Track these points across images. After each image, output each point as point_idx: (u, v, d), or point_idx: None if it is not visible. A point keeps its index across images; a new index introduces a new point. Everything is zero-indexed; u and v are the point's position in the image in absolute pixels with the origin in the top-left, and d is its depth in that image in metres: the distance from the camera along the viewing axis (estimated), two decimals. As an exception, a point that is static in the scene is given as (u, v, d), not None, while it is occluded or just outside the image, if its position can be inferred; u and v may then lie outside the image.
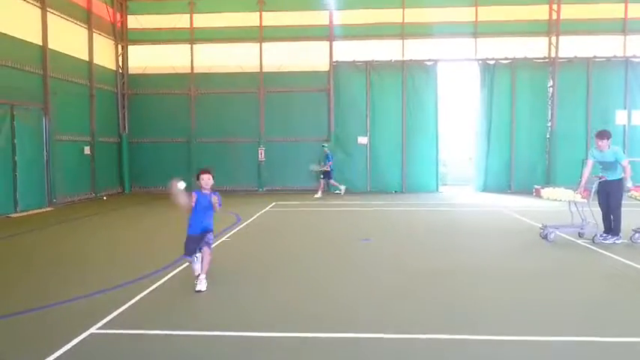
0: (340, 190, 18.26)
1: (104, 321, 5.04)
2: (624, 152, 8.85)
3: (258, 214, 13.18)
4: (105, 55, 19.28)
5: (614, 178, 8.81)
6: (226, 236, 9.89)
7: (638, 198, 8.82)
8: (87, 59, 17.91)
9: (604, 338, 4.60)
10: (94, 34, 18.15)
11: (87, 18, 17.81)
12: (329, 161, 17.92)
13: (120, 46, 20.24)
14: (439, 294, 6.08)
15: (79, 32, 17.51)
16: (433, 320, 5.13)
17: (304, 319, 5.17)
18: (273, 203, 15.83)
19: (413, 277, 6.82)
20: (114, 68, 20.02)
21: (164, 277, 6.79)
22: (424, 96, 19.49)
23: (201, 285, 6.14)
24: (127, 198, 18.35)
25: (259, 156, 20.03)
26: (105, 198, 17.85)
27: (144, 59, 20.44)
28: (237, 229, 10.86)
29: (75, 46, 17.17)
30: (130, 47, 20.49)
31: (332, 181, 18.27)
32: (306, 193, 19.03)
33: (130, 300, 5.72)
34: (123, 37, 20.29)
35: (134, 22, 20.31)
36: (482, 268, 7.30)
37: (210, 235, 6.39)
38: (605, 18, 19.06)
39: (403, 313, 5.37)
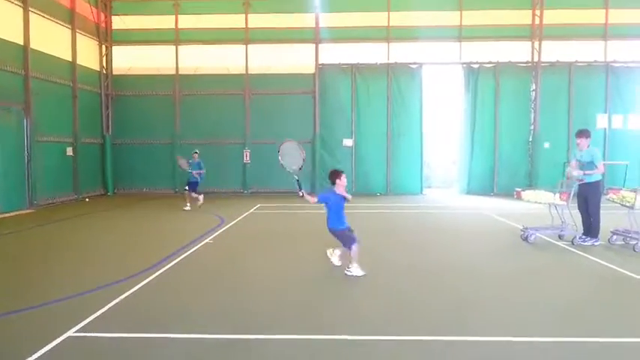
0: (188, 207, 14.71)
1: (82, 324, 4.99)
2: (602, 156, 8.99)
3: (242, 217, 13.14)
4: (88, 55, 19.10)
5: (591, 181, 8.95)
6: (209, 238, 9.84)
7: (616, 201, 8.95)
8: (70, 59, 17.73)
9: (582, 338, 4.67)
10: (77, 34, 17.98)
11: (70, 18, 17.63)
12: (201, 169, 14.90)
13: (104, 47, 20.06)
14: (421, 295, 6.12)
15: (62, 32, 17.32)
16: (414, 321, 5.16)
17: (283, 322, 5.17)
18: (258, 205, 15.81)
19: (396, 279, 6.85)
20: (98, 69, 19.85)
21: (144, 279, 6.72)
22: (409, 99, 19.62)
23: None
24: (110, 200, 18.18)
25: (244, 158, 19.98)
26: (87, 200, 17.66)
27: (128, 60, 20.29)
28: (220, 231, 10.82)
29: (58, 46, 16.99)
30: (114, 48, 20.33)
31: (194, 194, 14.89)
32: (291, 195, 18.99)
33: (108, 303, 5.66)
34: (107, 37, 20.13)
35: (118, 22, 20.17)
36: (464, 269, 7.36)
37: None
38: (587, 23, 19.37)
39: (385, 314, 5.39)
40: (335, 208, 6.99)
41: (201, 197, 14.90)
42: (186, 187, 14.99)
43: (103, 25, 19.92)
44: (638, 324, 5.11)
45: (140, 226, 12.11)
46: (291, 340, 4.65)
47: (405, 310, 5.54)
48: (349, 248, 6.89)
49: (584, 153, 9.07)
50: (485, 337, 4.72)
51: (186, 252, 8.49)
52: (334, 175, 7.06)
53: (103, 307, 5.52)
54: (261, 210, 14.85)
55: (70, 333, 4.76)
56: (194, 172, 14.81)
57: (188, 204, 14.78)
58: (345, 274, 6.91)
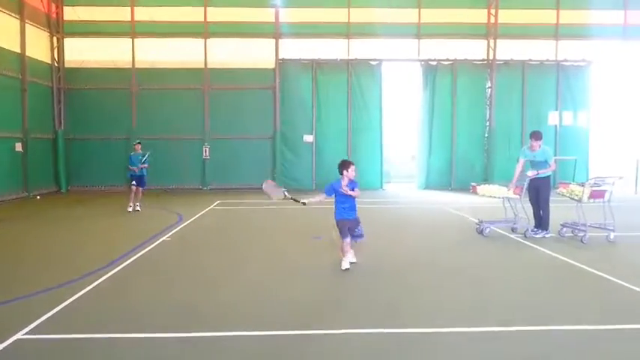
0: (137, 207, 13.32)
1: (32, 326, 4.81)
2: (554, 152, 9.35)
3: (201, 213, 12.96)
4: (39, 47, 18.35)
5: (543, 176, 9.30)
6: (166, 236, 9.65)
7: (565, 194, 9.32)
8: (19, 51, 17.01)
9: (533, 327, 4.84)
10: (26, 24, 17.25)
11: (19, 7, 16.88)
12: (147, 163, 13.59)
13: (55, 39, 19.31)
14: (379, 289, 6.20)
15: (10, 22, 16.57)
16: (371, 315, 5.22)
17: (242, 318, 5.13)
18: (218, 201, 15.63)
19: (355, 274, 6.91)
20: (49, 61, 19.11)
21: (98, 279, 6.54)
22: (369, 95, 19.80)
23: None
24: (63, 197, 17.58)
25: (204, 154, 19.68)
26: (38, 197, 17.00)
27: (82, 52, 19.60)
28: (178, 228, 10.64)
29: (5, 37, 16.25)
30: (66, 40, 19.60)
31: (141, 189, 13.51)
32: (251, 191, 18.90)
33: (60, 304, 5.47)
34: (59, 28, 19.39)
35: (71, 13, 19.44)
36: (421, 263, 7.51)
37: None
38: (539, 23, 20.03)
39: (343, 309, 5.43)
40: (342, 198, 6.90)
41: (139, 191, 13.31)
42: (133, 183, 13.22)
43: (55, 15, 19.17)
44: (584, 311, 5.33)
45: (94, 224, 11.74)
46: (248, 337, 4.62)
47: (356, 303, 5.60)
48: (356, 240, 7.00)
49: (537, 153, 9.41)
50: (439, 328, 4.82)
51: (142, 250, 8.31)
52: (342, 165, 6.95)
53: (55, 308, 5.33)
54: (220, 206, 14.68)
55: (19, 335, 4.58)
56: (136, 167, 13.25)
57: (138, 204, 13.25)
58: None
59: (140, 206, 13.34)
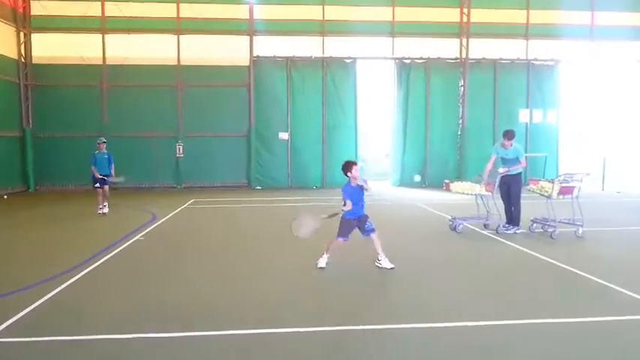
0: (105, 209, 12.48)
1: (-2, 329, 4.69)
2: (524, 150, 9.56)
3: (175, 212, 12.80)
4: (5, 42, 17.82)
5: (514, 173, 9.49)
6: (140, 235, 9.51)
7: (535, 191, 9.52)
8: (-17, 46, 16.49)
9: (504, 321, 4.94)
10: (-9, 19, 16.75)
11: (-17, 1, 16.38)
12: (111, 163, 12.68)
13: (22, 34, 18.76)
14: (352, 286, 6.24)
15: (-26, 17, 16.07)
16: (348, 311, 5.25)
17: (214, 318, 5.10)
18: (192, 200, 15.46)
19: (327, 271, 6.93)
20: (15, 57, 18.55)
21: (68, 280, 6.39)
22: (344, 93, 19.85)
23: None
24: (31, 197, 17.15)
25: (177, 152, 19.43)
26: (5, 197, 16.50)
27: (50, 48, 19.10)
28: (152, 227, 10.49)
29: (-32, 31, 15.75)
30: (33, 35, 19.06)
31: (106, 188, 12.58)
32: (226, 189, 18.78)
33: (28, 306, 5.33)
34: (25, 23, 18.84)
35: (39, 8, 18.90)
36: (395, 259, 7.55)
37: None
38: (510, 23, 20.38)
39: (316, 306, 5.44)
40: (355, 199, 6.89)
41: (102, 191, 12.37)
42: (97, 185, 12.33)
43: (21, 10, 18.61)
44: (553, 305, 5.47)
45: (64, 223, 11.48)
46: (219, 337, 4.60)
47: (326, 300, 5.63)
48: (369, 235, 6.97)
49: (509, 151, 9.60)
50: (411, 324, 4.88)
51: (114, 250, 8.17)
52: (346, 167, 6.95)
53: (23, 310, 5.20)
54: (195, 205, 14.53)
55: (-15, 339, 4.46)
56: (97, 174, 12.28)
57: (106, 204, 12.45)
58: (376, 265, 6.96)
59: (107, 207, 12.51)
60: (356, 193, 6.91)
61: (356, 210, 6.90)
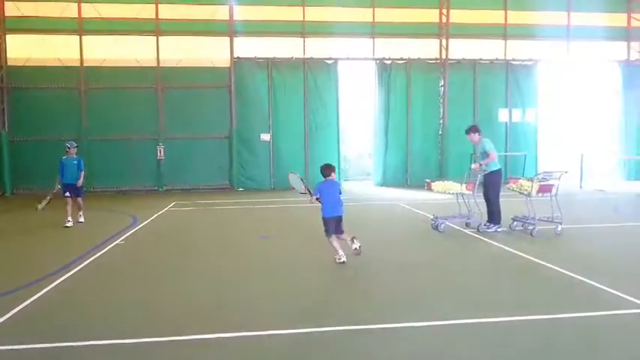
0: (70, 222, 11.02)
1: (-27, 338, 4.57)
2: (492, 145, 9.70)
3: (156, 215, 12.66)
4: (-22, 44, 17.43)
5: (491, 170, 9.59)
6: (120, 239, 9.38)
7: (515, 189, 9.65)
8: (-45, 48, 16.09)
9: (486, 319, 4.98)
10: (-37, 20, 16.35)
11: (-45, 2, 15.98)
12: (81, 169, 11.36)
13: (-4, 35, 18.38)
14: (333, 286, 6.23)
15: (-54, 18, 15.66)
16: (329, 312, 5.23)
17: (197, 322, 5.04)
18: (174, 203, 15.31)
19: (308, 272, 6.92)
20: (-11, 59, 18.17)
21: (47, 285, 6.26)
22: (325, 93, 19.85)
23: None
24: (7, 201, 16.81)
25: (158, 154, 19.20)
26: (-19, 202, 16.18)
27: (26, 50, 18.71)
28: (133, 230, 10.35)
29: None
30: (8, 36, 18.65)
31: (79, 200, 11.38)
32: (208, 192, 18.65)
33: (6, 313, 5.21)
34: (0, 25, 18.44)
35: (13, 9, 18.52)
36: (378, 259, 7.59)
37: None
38: (489, 23, 20.61)
39: (299, 307, 5.43)
40: (330, 197, 7.33)
41: (47, 199, 11.39)
42: (67, 194, 11.05)
43: (-5, 11, 18.24)
44: (532, 301, 5.53)
45: (42, 228, 11.25)
46: (203, 340, 4.55)
47: (318, 299, 5.62)
48: (341, 233, 7.37)
49: (478, 146, 9.77)
50: (394, 323, 4.88)
51: (94, 254, 8.03)
52: (329, 169, 7.53)
53: (0, 317, 5.09)
54: (177, 207, 14.39)
55: (-41, 349, 4.34)
56: (59, 182, 11.24)
57: (80, 213, 11.41)
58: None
59: (83, 217, 11.45)
60: (332, 193, 7.38)
61: (334, 209, 7.32)
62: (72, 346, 4.43)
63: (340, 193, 7.54)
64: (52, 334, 4.69)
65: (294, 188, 8.10)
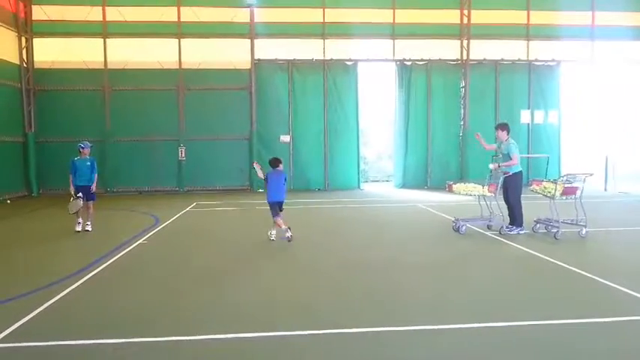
0: (83, 226, 10.50)
1: (4, 334, 4.68)
2: (524, 148, 9.58)
3: (177, 215, 12.81)
4: (6, 47, 17.85)
5: (512, 172, 9.46)
6: (143, 239, 9.52)
7: (538, 191, 9.51)
8: (-15, 52, 16.53)
9: (507, 323, 4.93)
10: (-7, 24, 16.78)
11: (-16, 7, 16.43)
12: (94, 171, 10.65)
13: (24, 39, 18.82)
14: (358, 286, 6.23)
15: (-24, 22, 16.11)
16: (351, 313, 5.24)
17: (217, 322, 5.09)
18: (194, 203, 15.47)
19: (332, 272, 6.93)
20: (17, 62, 18.59)
21: (73, 284, 6.40)
22: (345, 95, 19.87)
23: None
24: (34, 201, 17.17)
25: (180, 155, 19.45)
26: (8, 201, 16.55)
27: (52, 53, 19.13)
28: (155, 231, 10.50)
29: (-29, 37, 15.78)
30: (35, 40, 19.10)
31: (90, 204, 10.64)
32: (228, 192, 18.80)
33: (33, 310, 5.34)
34: (27, 28, 18.89)
35: (40, 12, 18.96)
36: (400, 260, 7.57)
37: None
38: (511, 23, 20.38)
39: (323, 307, 5.44)
40: (274, 185, 8.98)
41: (80, 202, 10.22)
42: (80, 195, 10.21)
43: (22, 15, 18.67)
44: (558, 306, 5.45)
45: (68, 227, 11.46)
46: (222, 340, 4.59)
47: (339, 302, 5.62)
48: (278, 217, 9.01)
49: (503, 146, 9.64)
50: (417, 326, 4.86)
51: (118, 254, 8.17)
52: (276, 161, 9.27)
53: (28, 314, 5.20)
54: (198, 208, 14.54)
55: (-10, 344, 4.46)
56: (72, 184, 10.41)
57: (89, 222, 10.51)
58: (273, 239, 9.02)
59: (91, 225, 10.52)
60: (277, 180, 9.04)
61: (276, 195, 8.99)
62: (97, 343, 4.52)
63: (285, 182, 9.11)
64: (76, 332, 4.78)
65: (257, 173, 9.42)
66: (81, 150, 10.59)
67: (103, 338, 4.59)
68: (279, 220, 8.95)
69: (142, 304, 5.62)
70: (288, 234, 8.86)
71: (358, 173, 20.15)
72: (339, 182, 19.84)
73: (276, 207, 8.91)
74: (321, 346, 4.48)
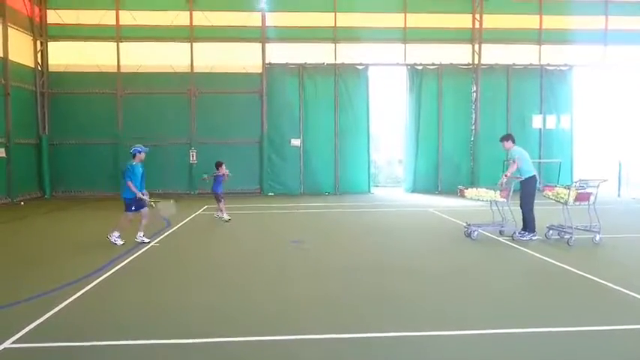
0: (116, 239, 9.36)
1: (19, 334, 4.73)
2: (522, 153, 9.61)
3: (188, 218, 12.89)
4: (22, 51, 18.10)
5: (524, 176, 9.41)
6: (155, 241, 9.57)
7: (551, 197, 9.43)
8: (1, 55, 16.75)
9: (522, 329, 4.89)
10: (8, 28, 17.01)
11: (1, 11, 16.64)
12: (129, 179, 9.17)
13: (39, 42, 19.08)
14: (369, 293, 6.21)
15: (-8, 26, 16.35)
16: (361, 319, 5.23)
17: (228, 324, 5.11)
18: (205, 206, 15.54)
19: (341, 277, 6.92)
20: (32, 65, 18.86)
21: (86, 286, 6.45)
22: (356, 99, 19.88)
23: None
24: (48, 203, 17.33)
25: (191, 158, 19.56)
26: (22, 203, 16.72)
27: (66, 57, 19.38)
28: (167, 233, 10.56)
29: (-13, 41, 16.02)
30: (50, 43, 19.37)
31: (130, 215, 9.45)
32: (239, 196, 18.86)
33: (48, 311, 5.39)
34: (42, 32, 19.16)
35: (55, 17, 19.22)
36: (411, 266, 7.54)
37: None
38: (523, 28, 20.31)
39: (331, 313, 5.43)
40: (219, 179, 12.63)
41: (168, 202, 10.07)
42: (133, 208, 9.31)
43: (38, 19, 18.94)
44: (571, 313, 5.40)
45: (80, 230, 11.60)
46: (239, 343, 4.60)
47: (351, 306, 5.61)
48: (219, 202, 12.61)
49: (509, 155, 9.79)
50: (427, 331, 4.85)
51: (130, 256, 8.23)
52: (218, 163, 12.73)
53: (42, 316, 5.25)
54: (208, 211, 14.61)
55: (7, 344, 4.51)
56: (139, 192, 9.22)
57: (141, 233, 9.51)
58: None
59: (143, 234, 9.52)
60: (219, 178, 12.56)
61: (217, 187, 12.53)
62: (111, 345, 4.55)
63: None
64: (86, 334, 4.82)
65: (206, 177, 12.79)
66: (138, 154, 9.43)
67: (112, 340, 4.62)
68: (219, 205, 12.46)
69: (150, 305, 5.65)
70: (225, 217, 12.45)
71: (369, 177, 20.13)
72: (349, 186, 19.83)
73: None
74: (332, 352, 4.47)
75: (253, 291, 6.36)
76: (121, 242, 9.19)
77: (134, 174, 9.23)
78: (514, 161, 9.40)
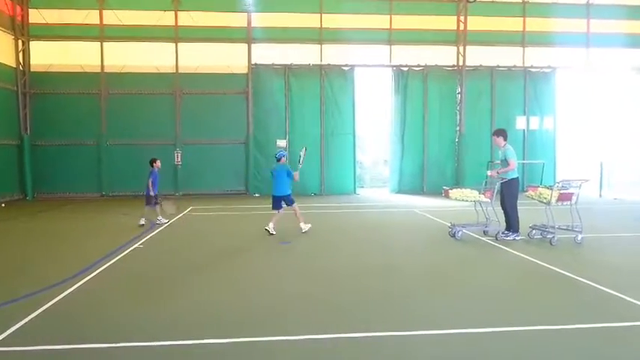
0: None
1: (0, 338, 4.67)
2: (520, 154, 9.65)
3: (174, 219, 12.78)
4: (3, 50, 17.84)
5: (507, 178, 9.49)
6: (139, 243, 9.49)
7: (534, 197, 9.55)
8: (-20, 54, 16.49)
9: (503, 328, 4.94)
10: (-11, 27, 16.75)
11: (-19, 10, 16.40)
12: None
13: (20, 42, 18.79)
14: (354, 292, 6.22)
15: (-28, 25, 16.07)
16: (346, 319, 5.24)
17: (214, 325, 5.08)
18: (190, 207, 15.44)
19: (327, 278, 6.93)
20: (13, 65, 18.56)
21: (68, 288, 6.36)
22: (342, 100, 19.92)
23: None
24: (29, 205, 17.08)
25: (176, 159, 19.42)
26: (3, 205, 16.44)
27: (48, 56, 19.12)
28: (151, 235, 10.47)
29: (-33, 39, 15.74)
30: (32, 43, 19.08)
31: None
32: (224, 196, 18.77)
33: (29, 315, 5.30)
34: (24, 32, 18.87)
35: (37, 16, 18.95)
36: (395, 266, 7.57)
37: None
38: (507, 30, 20.53)
39: (317, 313, 5.44)
40: (156, 180, 11.93)
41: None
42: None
43: (19, 18, 18.65)
44: (552, 311, 5.47)
45: (62, 232, 11.45)
46: (223, 344, 4.58)
47: (333, 306, 5.62)
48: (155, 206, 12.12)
49: (500, 152, 9.70)
50: (410, 331, 4.87)
51: (114, 258, 8.14)
52: (152, 159, 11.71)
53: (23, 319, 5.17)
54: (194, 212, 14.52)
55: (-15, 349, 4.43)
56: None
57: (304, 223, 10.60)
58: None
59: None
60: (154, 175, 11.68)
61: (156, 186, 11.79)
62: (93, 347, 4.50)
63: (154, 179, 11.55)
64: (71, 336, 4.76)
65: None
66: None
67: (94, 343, 4.57)
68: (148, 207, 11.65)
69: (131, 309, 5.60)
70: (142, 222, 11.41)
71: (354, 178, 20.17)
72: (335, 187, 19.86)
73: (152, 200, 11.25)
74: (321, 351, 4.47)
75: (241, 291, 6.33)
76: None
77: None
78: (509, 162, 9.43)
